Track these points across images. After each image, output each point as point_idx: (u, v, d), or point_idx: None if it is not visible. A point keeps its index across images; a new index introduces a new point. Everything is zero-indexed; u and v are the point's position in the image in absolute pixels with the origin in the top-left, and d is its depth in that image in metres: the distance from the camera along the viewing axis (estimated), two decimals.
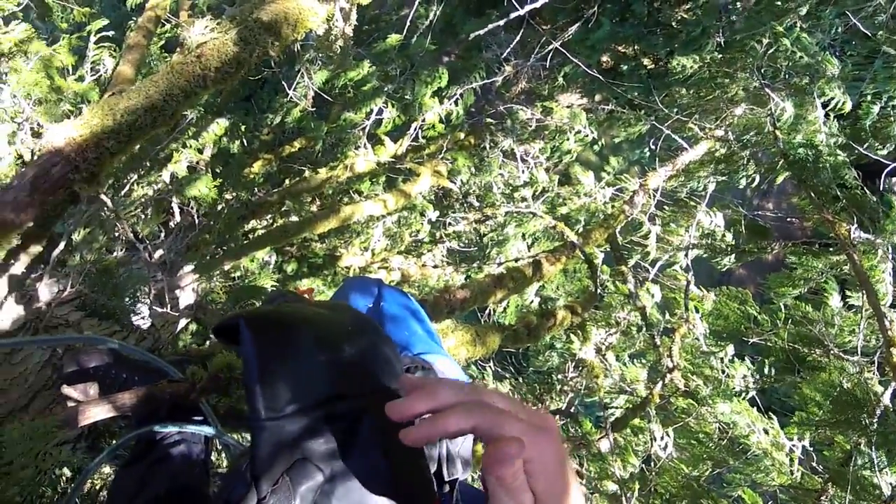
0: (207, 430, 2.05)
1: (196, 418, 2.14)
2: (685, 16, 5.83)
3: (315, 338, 1.00)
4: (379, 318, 2.05)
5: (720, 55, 4.96)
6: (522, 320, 3.87)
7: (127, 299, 3.60)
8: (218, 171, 4.84)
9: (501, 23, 3.97)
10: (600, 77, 5.27)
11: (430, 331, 2.13)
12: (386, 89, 5.12)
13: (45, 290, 2.87)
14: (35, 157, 2.09)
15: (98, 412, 1.89)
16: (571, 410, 4.82)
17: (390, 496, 0.92)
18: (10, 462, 1.85)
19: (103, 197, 3.51)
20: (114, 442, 2.58)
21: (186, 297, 4.34)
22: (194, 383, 2.02)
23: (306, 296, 3.06)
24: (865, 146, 4.15)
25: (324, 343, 1.01)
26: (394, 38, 5.01)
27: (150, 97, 1.79)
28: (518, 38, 4.51)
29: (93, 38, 4.29)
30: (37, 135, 3.63)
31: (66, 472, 2.83)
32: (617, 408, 4.70)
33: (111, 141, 1.78)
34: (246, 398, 0.95)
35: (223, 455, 4.02)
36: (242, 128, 5.20)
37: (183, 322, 4.32)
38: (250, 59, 1.89)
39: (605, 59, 6.44)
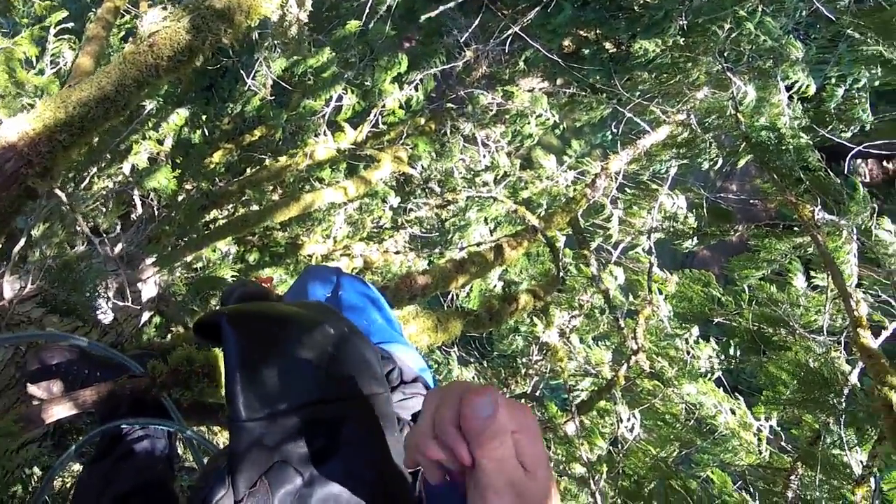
0: (170, 425, 2.08)
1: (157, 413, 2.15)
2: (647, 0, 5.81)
3: (299, 339, 0.99)
4: (338, 306, 2.01)
5: (682, 39, 4.97)
6: (485, 305, 3.84)
7: (88, 294, 3.50)
8: (178, 161, 4.78)
9: (452, 4, 3.92)
10: (561, 62, 5.26)
11: (390, 318, 2.12)
12: (346, 76, 5.07)
13: (7, 287, 2.86)
14: None
15: (61, 410, 1.90)
16: (537, 394, 4.82)
17: (369, 502, 0.91)
18: None
19: (58, 191, 3.44)
20: (79, 439, 2.59)
21: (149, 290, 4.27)
22: (155, 378, 2.01)
23: (266, 285, 3.01)
24: (829, 129, 4.19)
25: (308, 345, 1.00)
26: (353, 24, 4.95)
27: (103, 88, 1.76)
28: (477, 22, 4.45)
29: (52, 31, 4.24)
30: None
31: (37, 470, 2.80)
32: (582, 390, 4.70)
33: (63, 134, 1.76)
34: (226, 397, 0.95)
35: (187, 449, 3.99)
36: (203, 117, 5.15)
37: (146, 315, 4.32)
38: (203, 48, 1.87)
39: (566, 43, 6.40)
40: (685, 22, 5.12)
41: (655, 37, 5.05)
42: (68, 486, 3.43)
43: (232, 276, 4.85)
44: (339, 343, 1.09)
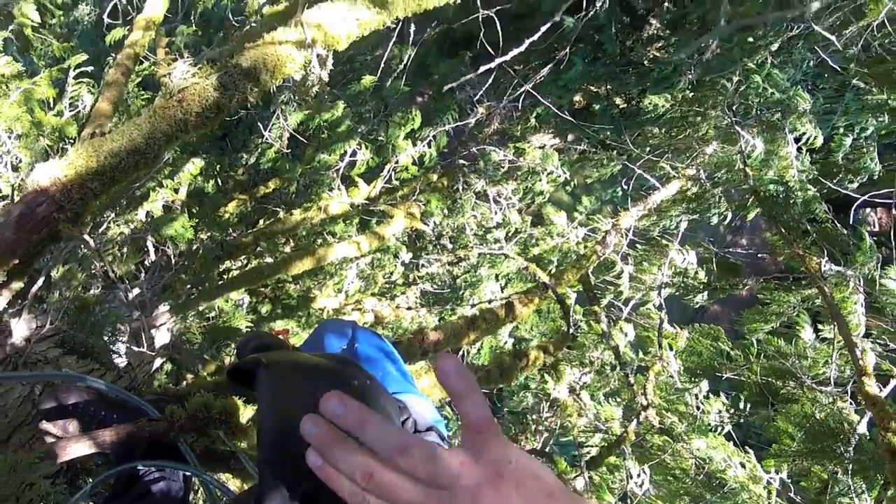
0: (187, 469, 2.14)
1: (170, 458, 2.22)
2: (657, 54, 5.98)
3: (328, 389, 0.94)
4: (353, 359, 2.02)
5: (692, 94, 5.12)
6: (495, 361, 3.91)
7: (105, 337, 3.64)
8: (193, 210, 4.91)
9: (473, 75, 4.10)
10: (571, 118, 5.40)
11: (404, 371, 2.18)
12: (360, 131, 5.21)
13: (24, 326, 2.90)
14: (19, 195, 2.17)
15: (78, 448, 1.97)
16: (546, 450, 4.88)
17: None
18: None
19: (86, 237, 3.60)
20: (90, 479, 2.68)
21: (162, 337, 4.41)
22: (173, 422, 2.07)
23: (282, 336, 3.12)
24: (836, 180, 4.28)
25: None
26: (368, 80, 5.10)
27: (133, 140, 1.83)
28: (490, 80, 4.62)
29: (72, 73, 4.32)
30: (15, 169, 3.67)
31: None
32: (592, 446, 4.72)
33: (95, 182, 1.82)
34: (258, 438, 1.01)
35: (200, 493, 4.09)
36: (217, 167, 5.27)
37: (158, 362, 4.36)
38: (230, 105, 1.94)
39: (577, 98, 6.57)
40: (694, 76, 5.28)
41: (665, 91, 5.19)
42: None
43: (246, 327, 4.95)
44: (362, 392, 1.17)
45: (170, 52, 4.98)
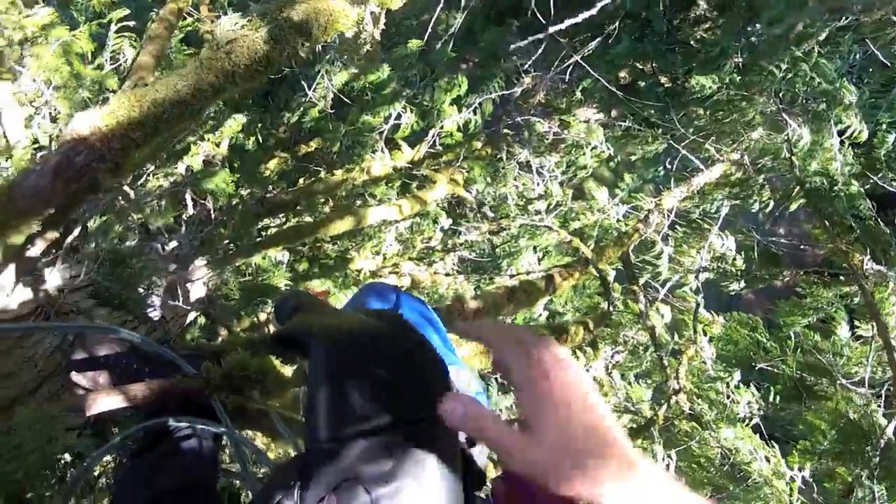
0: (219, 427, 2.19)
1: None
2: (704, 35, 6.03)
3: (387, 358, 1.04)
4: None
5: (739, 77, 5.08)
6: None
7: (140, 290, 3.69)
8: (234, 166, 4.99)
9: (521, 43, 4.15)
10: (619, 93, 5.47)
11: (446, 339, 2.24)
12: (405, 94, 5.30)
13: (58, 276, 2.89)
14: (57, 145, 2.26)
15: (109, 402, 2.05)
16: None
17: None
18: (18, 444, 1.88)
19: (126, 188, 3.71)
20: (116, 431, 2.88)
21: (197, 291, 4.45)
22: (208, 380, 2.14)
23: (321, 297, 3.23)
24: (879, 176, 4.27)
25: (394, 365, 1.05)
26: (414, 43, 5.15)
27: (179, 90, 1.83)
28: (541, 50, 4.68)
29: (113, 27, 4.38)
30: (54, 120, 3.74)
31: (66, 456, 2.89)
32: (622, 427, 4.75)
33: (137, 132, 1.82)
34: (306, 412, 1.02)
35: (229, 451, 4.21)
36: (259, 125, 5.35)
37: (192, 316, 4.54)
38: (280, 59, 1.94)
39: (623, 75, 6.61)
40: (741, 60, 5.34)
41: (712, 73, 5.22)
42: (96, 475, 3.48)
43: (285, 285, 5.04)
44: (421, 360, 1.16)
45: (213, 9, 5.12)
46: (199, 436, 2.36)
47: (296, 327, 1.25)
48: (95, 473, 3.47)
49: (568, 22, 3.58)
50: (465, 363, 2.30)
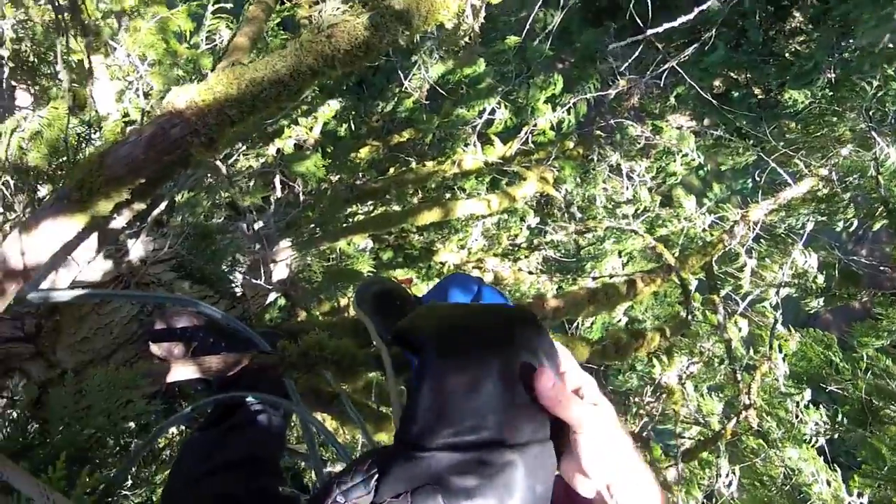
0: (290, 406, 2.34)
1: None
2: (799, 48, 6.35)
3: (499, 372, 1.00)
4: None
5: (830, 92, 5.42)
6: (613, 337, 4.17)
7: (224, 267, 3.95)
8: (327, 151, 5.32)
9: (618, 45, 4.40)
10: (713, 101, 5.72)
11: None
12: (500, 90, 5.64)
13: (141, 247, 3.12)
14: (146, 122, 2.46)
15: (183, 372, 2.17)
16: (644, 435, 5.13)
17: None
18: (88, 406, 2.01)
19: (218, 163, 4.04)
20: (185, 404, 3.10)
21: (279, 272, 4.73)
22: (284, 357, 2.21)
23: (405, 285, 3.50)
24: None
25: (505, 379, 1.00)
26: (512, 40, 5.55)
27: (277, 71, 1.90)
28: (637, 53, 4.93)
29: (211, 7, 4.69)
30: (146, 95, 4.01)
31: (131, 424, 2.87)
32: (689, 439, 5.04)
33: (234, 109, 1.90)
34: (405, 414, 1.01)
35: (297, 431, 4.48)
36: (353, 112, 5.71)
37: (272, 296, 4.80)
38: (379, 46, 1.99)
39: (716, 83, 6.89)
40: (834, 75, 5.65)
41: (804, 87, 5.53)
42: (160, 446, 3.65)
43: (368, 272, 5.30)
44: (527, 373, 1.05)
45: None
46: (268, 412, 2.56)
47: (413, 331, 1.15)
48: (161, 445, 3.68)
49: (665, 26, 3.76)
50: None
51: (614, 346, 4.05)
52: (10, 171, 3.15)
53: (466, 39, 2.33)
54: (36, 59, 3.81)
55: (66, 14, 3.19)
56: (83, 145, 3.33)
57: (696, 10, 3.94)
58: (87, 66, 3.43)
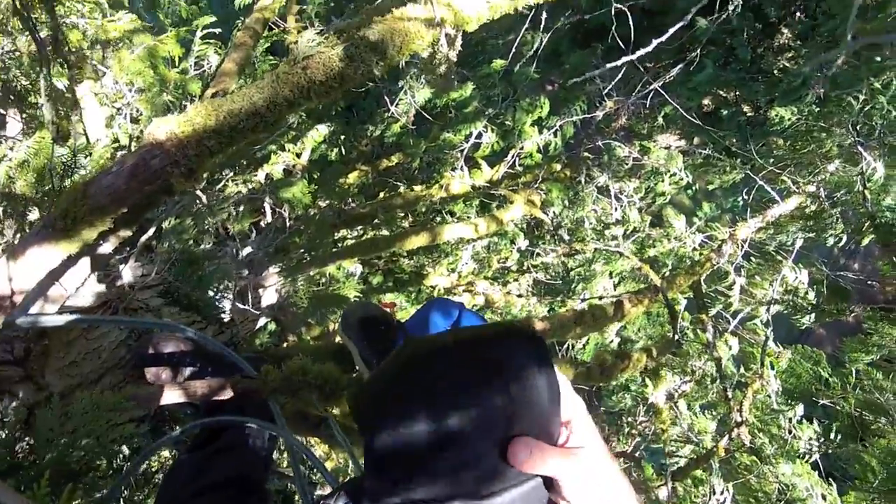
0: (274, 429, 2.30)
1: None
2: (787, 65, 6.43)
3: (464, 427, 0.91)
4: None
5: (818, 108, 5.46)
6: (598, 359, 4.11)
7: (211, 292, 4.04)
8: (314, 176, 5.42)
9: (605, 68, 4.48)
10: (697, 121, 5.84)
11: None
12: (487, 113, 5.72)
13: (129, 273, 3.18)
14: (134, 147, 2.48)
15: (171, 396, 2.22)
16: (636, 454, 5.17)
17: None
18: (73, 430, 2.04)
19: (199, 192, 4.08)
20: (176, 427, 3.14)
21: (268, 297, 4.83)
22: (267, 382, 2.24)
23: (388, 309, 3.55)
24: None
25: (477, 430, 0.92)
26: (498, 63, 5.61)
27: (254, 103, 1.95)
28: (620, 74, 5.00)
29: (199, 34, 4.85)
30: (135, 121, 4.13)
31: (125, 449, 3.03)
32: (681, 457, 5.04)
33: (212, 141, 1.95)
34: (364, 463, 0.97)
35: (285, 454, 4.58)
36: (342, 137, 5.82)
37: (262, 321, 4.83)
38: (355, 77, 2.05)
39: (705, 102, 6.97)
40: (822, 91, 5.73)
41: (792, 103, 5.57)
42: (153, 470, 3.78)
43: (355, 296, 5.37)
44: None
45: (300, 20, 5.62)
46: (255, 436, 2.64)
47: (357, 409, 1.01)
48: (154, 469, 3.81)
49: (642, 51, 3.92)
50: None
51: (599, 367, 4.02)
52: (2, 197, 3.18)
53: (443, 68, 2.39)
54: (23, 89, 3.85)
55: (48, 47, 3.22)
56: (69, 173, 3.36)
57: (669, 32, 4.04)
58: (71, 96, 3.46)
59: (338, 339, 5.07)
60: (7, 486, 1.62)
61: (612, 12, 4.21)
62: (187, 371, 2.84)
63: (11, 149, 3.41)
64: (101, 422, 2.08)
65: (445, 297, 5.57)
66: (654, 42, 4.03)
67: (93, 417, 2.07)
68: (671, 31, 4.11)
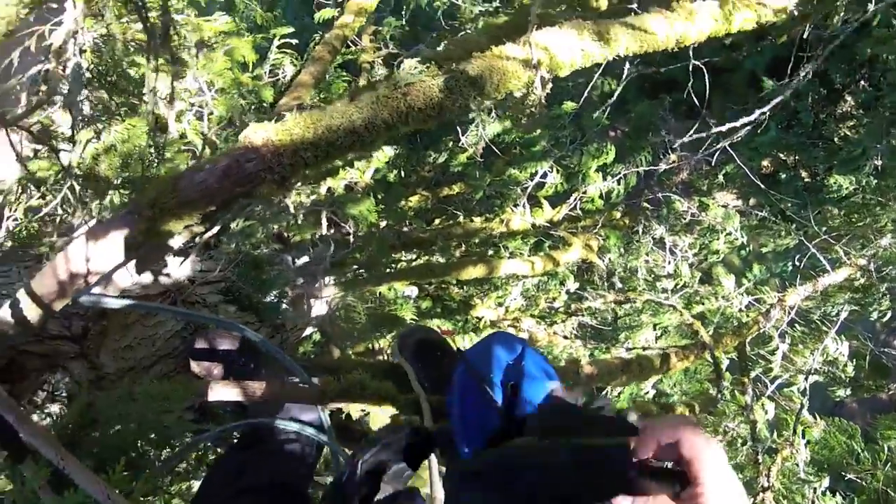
0: (325, 439, 2.41)
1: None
2: (848, 133, 6.52)
3: None
4: (519, 376, 2.24)
5: (876, 181, 5.54)
6: (642, 409, 4.34)
7: (275, 297, 3.98)
8: (378, 196, 5.49)
9: (687, 139, 4.55)
10: (760, 184, 5.85)
11: None
12: (554, 154, 5.81)
13: (188, 267, 3.18)
14: (211, 148, 2.52)
15: (226, 393, 2.28)
16: None
17: None
18: (120, 414, 2.09)
19: (288, 202, 4.19)
20: (222, 424, 3.02)
21: (318, 308, 4.80)
22: (326, 392, 2.33)
23: (446, 336, 3.58)
24: None
25: None
26: (569, 105, 5.70)
27: (353, 121, 1.97)
28: (693, 130, 4.99)
29: (276, 42, 4.97)
30: (202, 119, 4.20)
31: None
32: None
33: (308, 153, 1.98)
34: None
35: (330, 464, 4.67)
36: (405, 160, 5.92)
37: (308, 331, 4.94)
38: (452, 108, 2.10)
39: (765, 163, 7.06)
40: (881, 163, 5.82)
41: (851, 173, 5.66)
42: (196, 463, 3.68)
43: (411, 319, 5.42)
44: None
45: (374, 41, 5.77)
46: (302, 442, 2.65)
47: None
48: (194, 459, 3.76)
49: (730, 125, 4.05)
50: None
51: (644, 417, 4.13)
52: (80, 178, 3.29)
53: (532, 109, 2.44)
54: (115, 75, 3.96)
55: (157, 39, 3.33)
56: (154, 164, 3.47)
57: (768, 107, 4.17)
58: (167, 91, 3.58)
59: (383, 357, 5.20)
60: (85, 468, 1.68)
61: (690, 68, 4.22)
62: (239, 370, 2.95)
63: (100, 131, 3.52)
64: (156, 407, 2.15)
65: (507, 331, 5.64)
66: (742, 120, 4.14)
67: (159, 405, 2.14)
68: (757, 113, 4.21)
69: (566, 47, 2.28)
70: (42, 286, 2.03)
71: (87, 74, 3.50)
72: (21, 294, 1.94)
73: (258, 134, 1.96)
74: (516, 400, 2.13)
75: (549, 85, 2.43)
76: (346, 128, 1.98)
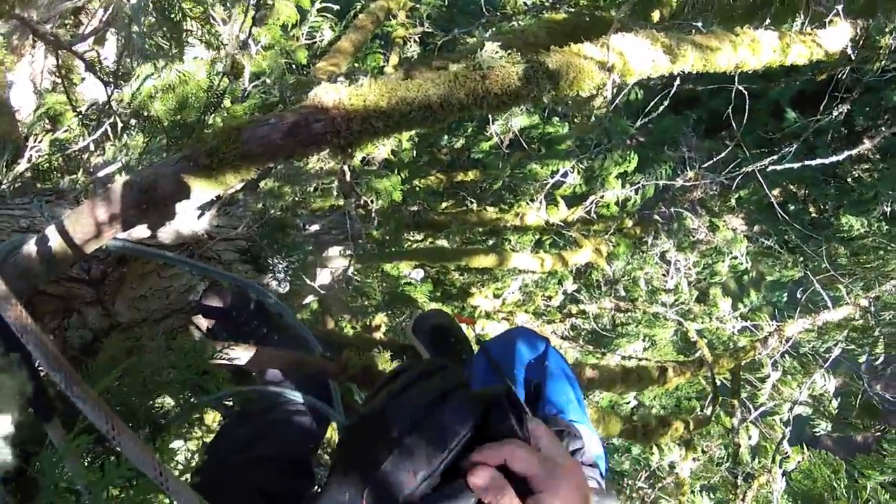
0: (335, 415, 2.28)
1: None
2: (862, 175, 6.48)
3: None
4: (543, 374, 2.27)
5: (886, 226, 5.55)
6: (641, 419, 4.23)
7: (297, 262, 3.80)
8: (403, 175, 5.41)
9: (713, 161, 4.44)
10: (780, 212, 5.72)
11: (581, 399, 2.37)
12: (577, 155, 5.77)
13: (206, 219, 3.05)
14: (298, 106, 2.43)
15: (243, 357, 2.17)
16: None
17: None
18: (160, 368, 1.97)
19: (345, 168, 4.11)
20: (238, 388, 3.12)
21: (323, 278, 4.88)
22: (346, 367, 2.24)
23: (465, 324, 3.50)
24: None
25: None
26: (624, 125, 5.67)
27: (428, 97, 1.88)
28: (723, 155, 4.94)
29: (317, 5, 4.88)
30: (237, 77, 4.02)
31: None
32: None
33: (380, 122, 1.86)
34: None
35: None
36: (423, 140, 5.82)
37: (308, 299, 4.71)
38: (527, 98, 2.03)
39: (775, 192, 7.03)
40: (891, 208, 5.77)
41: (861, 215, 5.64)
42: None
43: (424, 301, 5.32)
44: None
45: (410, 18, 5.66)
46: (309, 415, 2.55)
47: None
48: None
49: (773, 168, 3.99)
50: (593, 427, 2.47)
51: (643, 428, 4.15)
52: (133, 114, 3.23)
53: (597, 111, 2.39)
54: (181, 15, 3.86)
55: None
56: (210, 110, 3.34)
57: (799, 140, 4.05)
58: (243, 36, 3.50)
59: (377, 334, 5.11)
60: (141, 442, 1.55)
61: (732, 93, 4.08)
62: (251, 333, 2.79)
63: (160, 69, 3.36)
64: (169, 362, 1.98)
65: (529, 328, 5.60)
66: (769, 162, 4.08)
67: (167, 357, 1.98)
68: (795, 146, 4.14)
69: (640, 55, 2.24)
70: (77, 225, 1.88)
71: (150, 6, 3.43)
72: (51, 231, 1.78)
73: (329, 95, 1.81)
74: (539, 400, 2.16)
75: (615, 90, 2.39)
76: (420, 102, 1.87)
